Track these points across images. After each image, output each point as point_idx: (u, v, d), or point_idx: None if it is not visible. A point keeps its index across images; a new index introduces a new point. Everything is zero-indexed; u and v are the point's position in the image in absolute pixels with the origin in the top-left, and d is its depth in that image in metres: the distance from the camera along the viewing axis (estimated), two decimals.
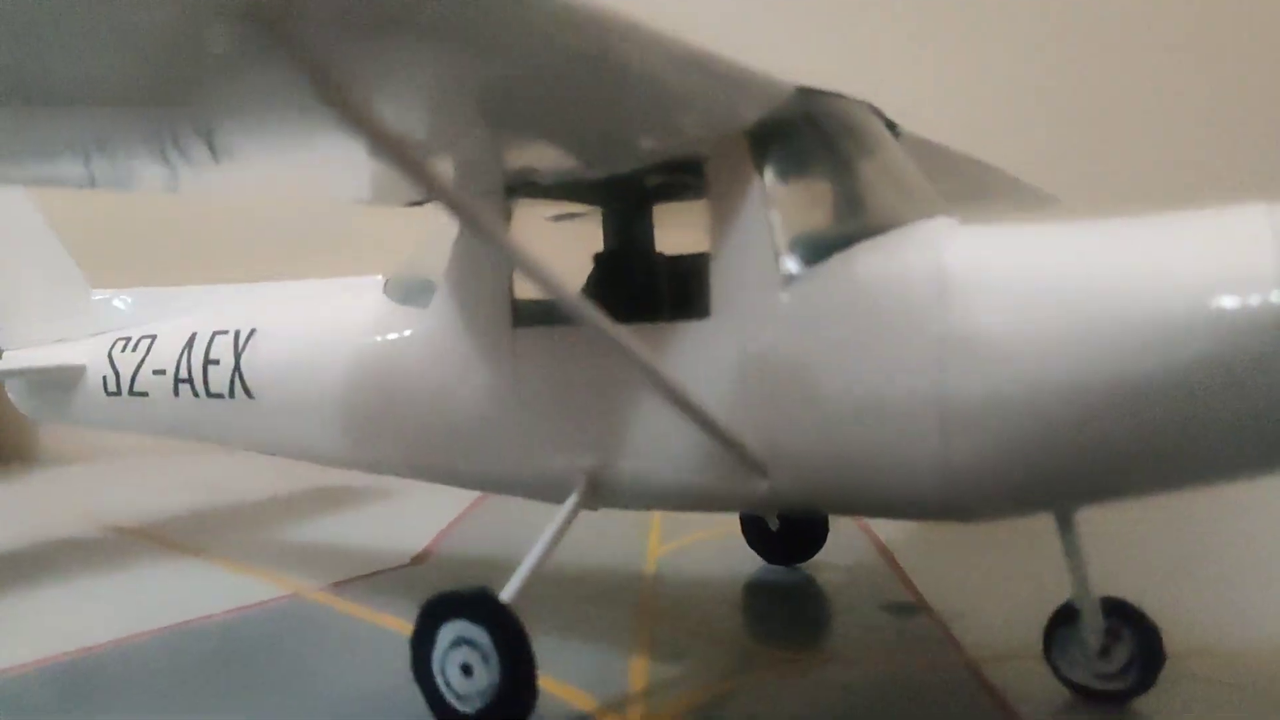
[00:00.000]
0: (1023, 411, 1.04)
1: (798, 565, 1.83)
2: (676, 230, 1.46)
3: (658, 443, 1.27)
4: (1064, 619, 1.27)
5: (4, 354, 2.33)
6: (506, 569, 1.28)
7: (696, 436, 1.20)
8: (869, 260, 1.15)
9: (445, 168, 1.28)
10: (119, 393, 1.94)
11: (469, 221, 1.09)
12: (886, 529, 2.04)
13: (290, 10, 0.82)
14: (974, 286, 1.08)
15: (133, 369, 1.92)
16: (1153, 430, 1.00)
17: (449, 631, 1.22)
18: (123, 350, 1.96)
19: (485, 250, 1.33)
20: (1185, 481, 1.06)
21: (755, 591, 1.76)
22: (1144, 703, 1.24)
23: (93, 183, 1.28)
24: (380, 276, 1.69)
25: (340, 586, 1.86)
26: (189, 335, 1.82)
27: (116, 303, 2.16)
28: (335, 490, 2.78)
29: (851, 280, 1.16)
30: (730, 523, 1.94)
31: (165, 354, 1.86)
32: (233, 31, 0.83)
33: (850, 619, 1.59)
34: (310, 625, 1.66)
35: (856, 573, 1.81)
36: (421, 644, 1.23)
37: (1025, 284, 1.06)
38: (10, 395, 2.32)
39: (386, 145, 0.99)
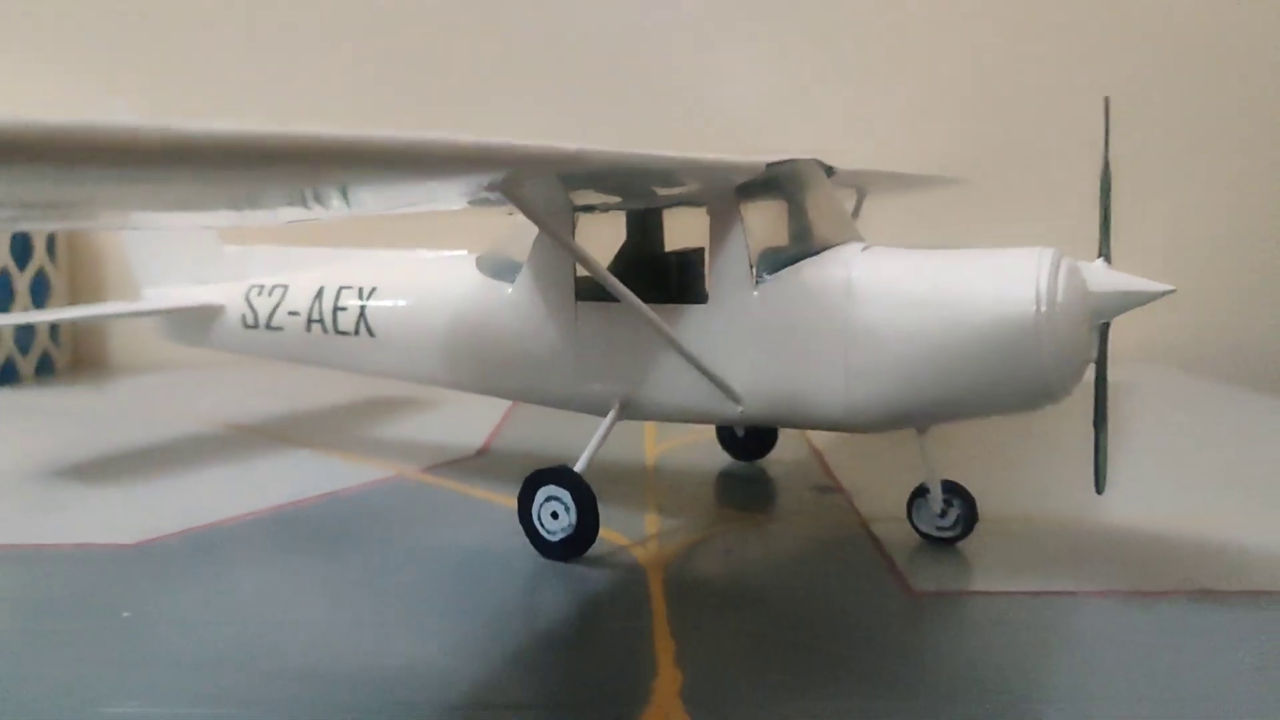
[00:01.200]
0: (893, 371, 1.37)
1: (755, 461, 2.17)
2: (683, 233, 1.68)
3: (670, 380, 1.55)
4: (919, 494, 1.64)
5: (145, 292, 2.58)
6: (543, 458, 1.56)
7: (696, 377, 1.52)
8: (807, 272, 1.45)
9: (534, 197, 1.49)
10: (256, 326, 2.18)
11: (549, 231, 1.38)
12: (819, 438, 2.39)
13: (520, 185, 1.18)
14: (867, 292, 1.39)
15: (269, 310, 2.16)
16: (965, 383, 1.34)
17: (543, 493, 1.55)
18: (259, 295, 2.20)
19: (557, 249, 1.59)
20: (983, 413, 1.38)
21: (725, 477, 2.06)
22: (965, 545, 1.63)
23: (239, 222, 1.42)
24: (464, 252, 1.91)
25: (432, 469, 2.11)
26: (318, 288, 2.07)
27: (245, 257, 2.37)
28: (397, 400, 2.95)
29: (796, 285, 1.45)
30: (706, 431, 2.27)
31: (298, 300, 2.10)
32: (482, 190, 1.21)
33: (789, 495, 1.91)
34: (420, 496, 1.92)
35: (795, 466, 2.13)
36: (526, 500, 1.56)
37: (896, 293, 1.37)
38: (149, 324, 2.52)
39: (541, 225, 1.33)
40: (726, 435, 2.21)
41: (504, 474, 2.09)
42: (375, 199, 1.20)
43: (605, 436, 1.59)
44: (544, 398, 1.73)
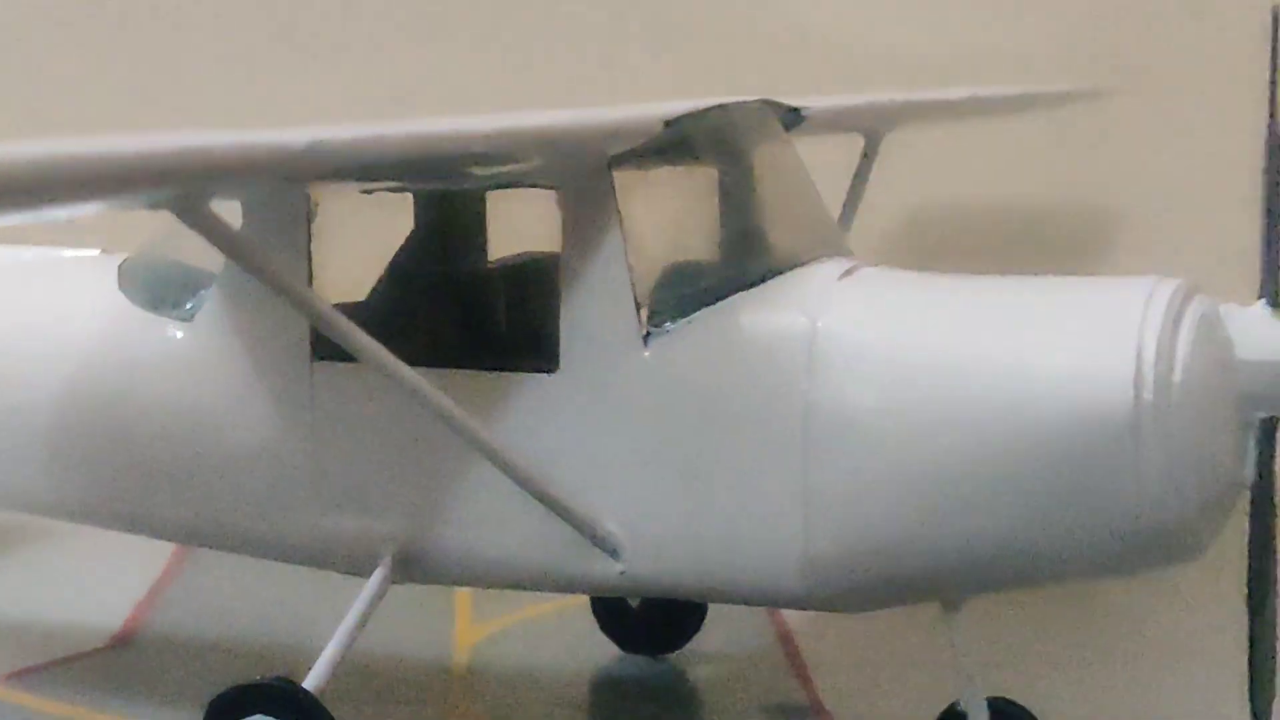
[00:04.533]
0: (886, 501, 1.16)
1: (664, 655, 1.65)
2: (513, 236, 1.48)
3: (487, 511, 1.30)
4: (950, 719, 1.34)
5: None
6: (244, 656, 1.35)
7: (534, 510, 1.25)
8: (739, 319, 1.23)
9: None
10: None
11: (255, 269, 1.15)
12: (786, 611, 1.86)
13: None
14: (843, 358, 1.18)
15: None
16: (1014, 525, 1.13)
17: None
18: None
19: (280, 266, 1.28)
20: (1052, 578, 1.23)
21: (607, 689, 1.65)
22: None
23: None
24: (97, 251, 1.57)
25: (21, 676, 1.63)
26: None
27: None
28: None
29: (719, 340, 1.24)
30: (570, 596, 1.65)
31: None
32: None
33: None
34: None
35: (743, 665, 1.67)
36: None
37: (894, 360, 1.17)
38: None
39: None
40: (610, 606, 1.68)
41: (163, 687, 1.67)
42: None
43: (365, 618, 1.29)
44: (246, 541, 1.43)
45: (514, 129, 1.18)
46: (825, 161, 1.63)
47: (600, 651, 1.66)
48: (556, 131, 1.22)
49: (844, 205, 1.72)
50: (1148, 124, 2.65)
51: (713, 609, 1.67)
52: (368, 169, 1.17)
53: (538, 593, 1.59)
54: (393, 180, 1.30)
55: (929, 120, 1.98)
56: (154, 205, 1.07)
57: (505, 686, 1.63)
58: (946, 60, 2.32)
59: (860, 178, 1.83)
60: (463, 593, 1.91)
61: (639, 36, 2.87)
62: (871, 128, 1.83)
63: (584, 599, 1.70)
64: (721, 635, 1.71)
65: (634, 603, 1.63)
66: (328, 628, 1.32)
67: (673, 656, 1.65)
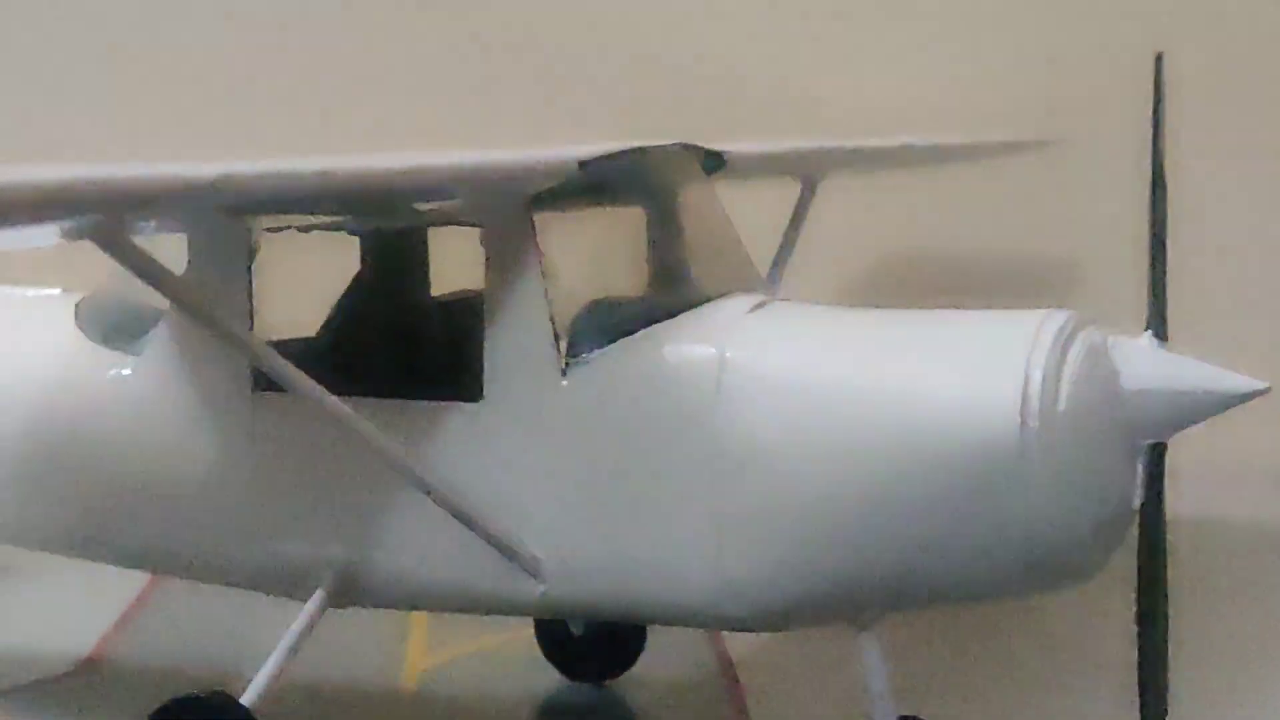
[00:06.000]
0: (792, 523, 1.18)
1: (606, 681, 1.66)
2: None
3: (416, 535, 1.33)
4: None
5: None
6: (209, 681, 1.32)
7: (459, 533, 1.28)
8: (652, 349, 1.26)
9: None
10: None
11: (178, 299, 1.20)
12: (740, 637, 1.84)
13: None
14: (749, 386, 1.20)
15: None
16: (911, 548, 1.16)
17: None
18: None
19: (220, 299, 1.35)
20: (950, 598, 1.25)
21: (548, 715, 1.65)
22: None
23: None
24: (56, 291, 1.60)
25: None
26: None
27: None
28: None
29: (634, 370, 1.26)
30: (517, 627, 1.71)
31: None
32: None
33: None
34: None
35: (682, 692, 1.67)
36: None
37: (796, 387, 1.19)
38: None
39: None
40: (553, 635, 1.71)
41: (129, 708, 1.60)
42: None
43: (302, 638, 1.32)
44: (194, 566, 1.47)
45: (429, 166, 1.21)
46: (765, 208, 1.69)
47: (545, 678, 1.65)
48: (471, 169, 1.24)
49: (779, 249, 1.72)
50: (1083, 172, 2.67)
51: (653, 635, 1.69)
52: (280, 202, 1.20)
53: (488, 624, 1.59)
54: (316, 213, 1.32)
55: (861, 167, 1.99)
56: (74, 233, 1.10)
57: (453, 709, 1.64)
58: (898, 110, 2.32)
59: (795, 222, 1.86)
60: (418, 624, 1.93)
61: (586, 84, 2.95)
62: (806, 173, 1.85)
63: (530, 632, 1.71)
64: (662, 661, 1.70)
65: (576, 630, 1.64)
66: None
67: (614, 683, 1.65)
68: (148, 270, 1.17)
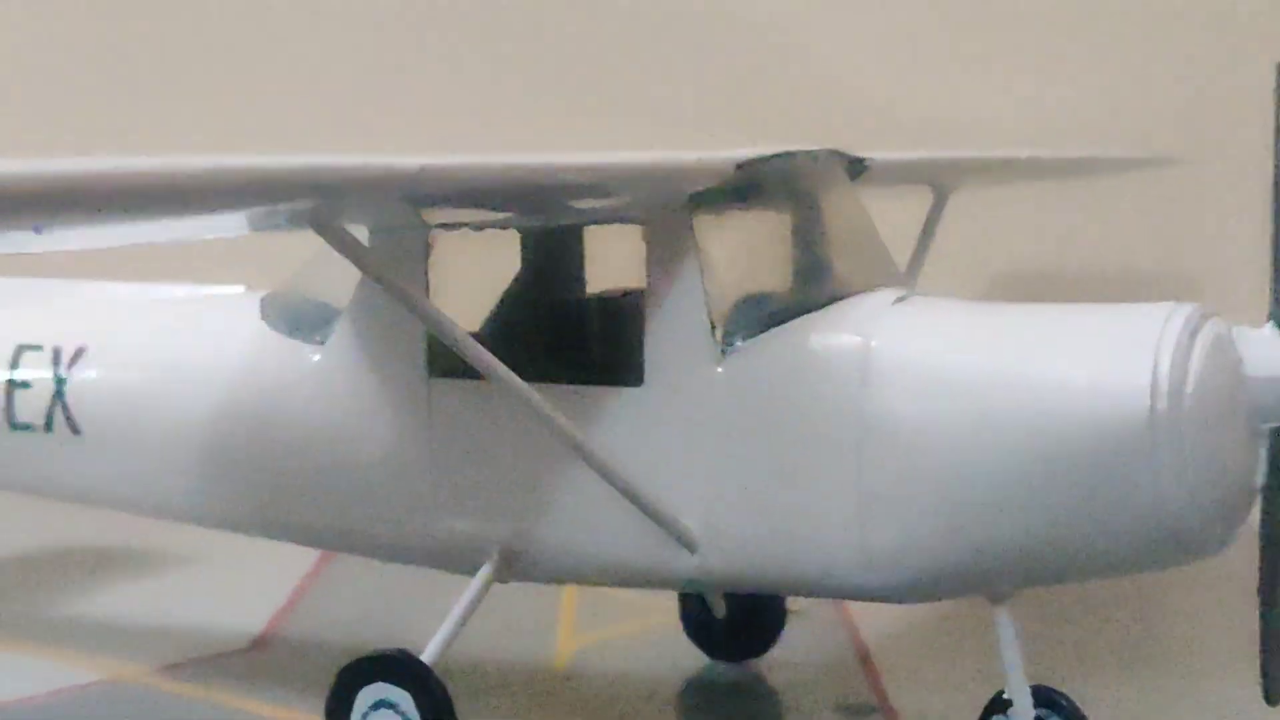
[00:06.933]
0: (932, 500, 1.22)
1: (747, 660, 1.70)
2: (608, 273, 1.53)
3: (580, 513, 1.36)
4: (995, 708, 1.36)
5: None
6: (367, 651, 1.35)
7: (622, 507, 1.30)
8: (802, 337, 1.29)
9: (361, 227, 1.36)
10: None
11: (380, 279, 1.23)
12: (863, 619, 1.93)
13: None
14: (892, 373, 1.23)
15: None
16: (1047, 524, 1.18)
17: (367, 696, 1.31)
18: None
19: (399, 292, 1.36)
20: (1084, 573, 1.29)
21: (694, 692, 1.69)
22: None
23: None
24: (241, 288, 1.65)
25: (174, 669, 1.72)
26: None
27: None
28: (116, 548, 2.46)
29: (785, 358, 1.30)
30: (662, 613, 1.78)
31: None
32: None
33: None
34: (150, 717, 1.60)
35: (818, 670, 1.70)
36: (338, 710, 1.32)
37: (937, 375, 1.22)
38: None
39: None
40: (697, 618, 1.74)
41: (300, 679, 1.73)
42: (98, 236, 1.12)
43: (472, 608, 1.38)
44: (371, 542, 1.52)
45: (607, 164, 1.25)
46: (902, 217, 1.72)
47: (689, 659, 1.70)
48: (643, 168, 1.29)
49: (912, 255, 1.74)
50: (1212, 188, 2.66)
51: (792, 618, 1.73)
52: (472, 194, 1.25)
53: (633, 609, 1.68)
54: (496, 209, 1.36)
55: (993, 178, 2.00)
56: (293, 220, 1.17)
57: (601, 683, 1.69)
58: (1036, 125, 2.34)
59: (928, 230, 1.88)
60: (567, 609, 2.02)
61: (722, 99, 2.98)
62: (939, 182, 1.88)
63: (673, 617, 1.76)
64: (800, 642, 1.74)
65: (719, 613, 1.67)
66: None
67: (755, 661, 1.68)
68: (358, 255, 1.24)
